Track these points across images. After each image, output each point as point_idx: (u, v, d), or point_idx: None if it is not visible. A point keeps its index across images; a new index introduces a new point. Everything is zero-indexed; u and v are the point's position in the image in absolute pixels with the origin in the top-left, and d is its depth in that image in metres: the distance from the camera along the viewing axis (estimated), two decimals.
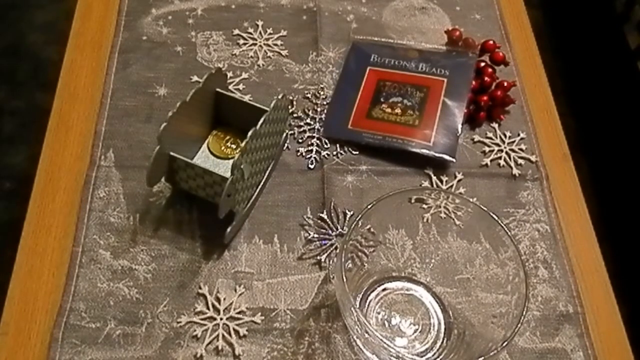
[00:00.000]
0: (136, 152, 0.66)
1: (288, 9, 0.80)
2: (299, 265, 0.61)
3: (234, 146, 0.66)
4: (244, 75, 0.73)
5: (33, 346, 0.55)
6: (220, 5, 0.80)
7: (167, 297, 0.58)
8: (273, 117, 0.60)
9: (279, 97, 0.60)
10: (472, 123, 0.72)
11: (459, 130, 0.69)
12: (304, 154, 0.68)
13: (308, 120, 0.70)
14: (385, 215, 0.55)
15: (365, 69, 0.74)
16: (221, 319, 0.57)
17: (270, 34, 0.77)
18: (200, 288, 0.58)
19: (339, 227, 0.63)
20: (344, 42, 0.77)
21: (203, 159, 0.65)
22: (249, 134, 0.56)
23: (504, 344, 0.46)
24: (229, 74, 0.73)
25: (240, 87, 0.72)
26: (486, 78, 0.72)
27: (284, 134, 0.67)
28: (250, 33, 0.77)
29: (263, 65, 0.75)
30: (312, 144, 0.69)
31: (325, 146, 0.69)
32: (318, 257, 0.61)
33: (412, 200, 0.55)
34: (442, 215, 0.56)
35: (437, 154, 0.67)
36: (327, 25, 0.79)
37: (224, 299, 0.58)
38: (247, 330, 0.56)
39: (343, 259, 0.49)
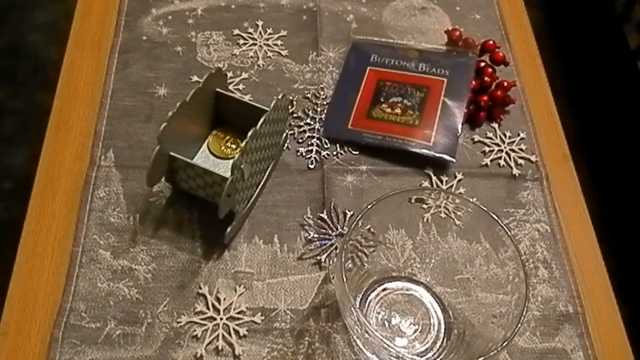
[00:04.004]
0: (136, 152, 0.66)
1: (288, 9, 0.80)
2: (299, 265, 0.61)
3: (234, 146, 0.66)
4: (244, 75, 0.73)
5: (33, 346, 0.55)
6: (220, 5, 0.80)
7: (167, 297, 0.58)
8: (273, 117, 0.60)
9: (279, 97, 0.60)
10: (472, 123, 0.72)
11: (459, 130, 0.69)
12: (304, 154, 0.68)
13: (308, 120, 0.70)
14: (385, 215, 0.55)
15: (365, 69, 0.74)
16: (221, 319, 0.57)
17: (270, 34, 0.77)
18: (200, 288, 0.58)
19: (339, 227, 0.63)
20: (344, 42, 0.77)
21: (203, 159, 0.65)
22: (249, 134, 0.56)
23: (504, 344, 0.46)
24: (229, 74, 0.73)
25: (240, 87, 0.72)
26: (486, 78, 0.72)
27: (284, 134, 0.67)
28: (250, 33, 0.77)
29: (263, 65, 0.75)
30: (312, 144, 0.69)
31: (325, 146, 0.69)
32: (318, 257, 0.61)
33: (412, 200, 0.55)
34: (442, 215, 0.56)
35: (437, 154, 0.67)
36: (327, 25, 0.79)
37: (224, 299, 0.58)
38: (247, 330, 0.56)
39: (343, 259, 0.49)
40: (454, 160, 0.67)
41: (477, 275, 0.57)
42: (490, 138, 0.71)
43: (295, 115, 0.71)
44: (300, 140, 0.69)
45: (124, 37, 0.75)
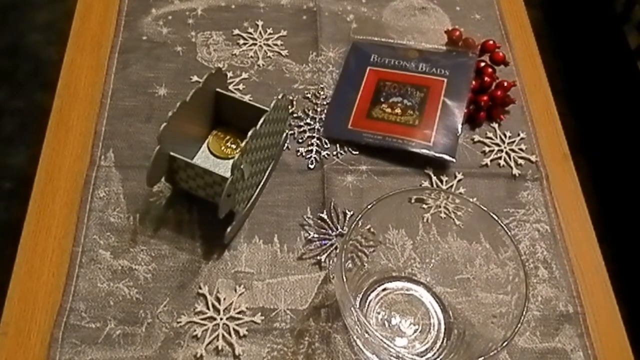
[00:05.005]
0: (136, 152, 0.66)
1: (288, 9, 0.80)
2: (299, 265, 0.61)
3: (234, 146, 0.66)
4: (244, 75, 0.73)
5: (33, 346, 0.55)
6: (220, 5, 0.80)
7: (167, 297, 0.58)
8: (273, 117, 0.60)
9: (279, 97, 0.60)
10: (472, 123, 0.72)
11: (459, 130, 0.69)
12: (304, 154, 0.68)
13: (308, 120, 0.70)
14: (385, 215, 0.55)
15: (365, 69, 0.74)
16: (221, 319, 0.57)
17: (270, 34, 0.77)
18: (200, 288, 0.58)
19: (339, 227, 0.63)
20: (344, 42, 0.77)
21: (203, 159, 0.65)
22: (249, 134, 0.56)
23: (504, 344, 0.46)
24: (229, 74, 0.73)
25: (240, 87, 0.72)
26: (486, 78, 0.72)
27: (284, 134, 0.67)
28: (250, 33, 0.77)
29: (263, 65, 0.75)
30: (312, 144, 0.69)
31: (325, 146, 0.69)
32: (318, 257, 0.61)
33: (412, 200, 0.55)
34: (442, 215, 0.56)
35: (437, 154, 0.67)
36: (327, 25, 0.79)
37: (224, 299, 0.58)
38: (247, 330, 0.56)
39: (343, 259, 0.49)
40: (454, 160, 0.67)
41: (477, 275, 0.57)
42: (490, 138, 0.71)
43: (295, 115, 0.71)
44: (300, 140, 0.69)
45: (124, 37, 0.75)
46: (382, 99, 0.71)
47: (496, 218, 0.52)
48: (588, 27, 1.76)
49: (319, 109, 0.71)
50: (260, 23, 0.78)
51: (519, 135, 0.71)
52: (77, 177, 0.64)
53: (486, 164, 0.69)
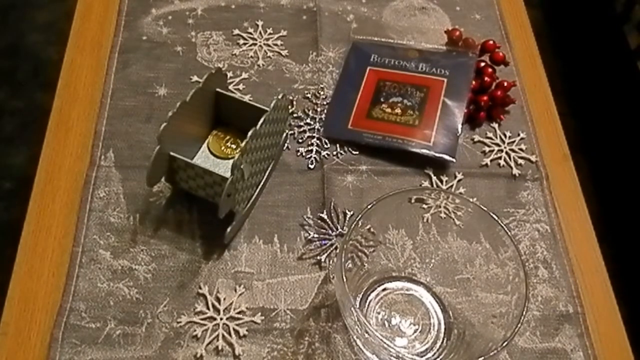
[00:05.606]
0: (136, 152, 0.66)
1: (288, 9, 0.80)
2: (299, 265, 0.61)
3: (234, 146, 0.66)
4: (244, 75, 0.73)
5: (33, 346, 0.55)
6: (220, 5, 0.80)
7: (167, 297, 0.58)
8: (273, 117, 0.60)
9: (279, 97, 0.60)
10: (472, 123, 0.72)
11: (459, 130, 0.69)
12: (304, 154, 0.68)
13: (308, 120, 0.70)
14: (385, 215, 0.55)
15: (365, 69, 0.74)
16: (221, 319, 0.57)
17: (270, 34, 0.77)
18: (200, 288, 0.58)
19: (339, 227, 0.63)
20: (344, 42, 0.77)
21: (203, 159, 0.65)
22: (249, 134, 0.56)
23: (504, 344, 0.46)
24: (229, 74, 0.73)
25: (240, 87, 0.72)
26: (486, 78, 0.72)
27: (284, 134, 0.67)
28: (250, 33, 0.77)
29: (263, 65, 0.75)
30: (312, 144, 0.69)
31: (325, 146, 0.69)
32: (318, 257, 0.61)
33: (412, 200, 0.55)
34: (442, 215, 0.56)
35: (437, 154, 0.67)
36: (327, 25, 0.79)
37: (224, 299, 0.58)
38: (247, 330, 0.56)
39: (343, 259, 0.49)
40: (454, 160, 0.67)
41: (477, 275, 0.57)
42: (490, 138, 0.71)
43: (295, 115, 0.71)
44: (300, 140, 0.69)
45: (124, 37, 0.75)
46: (382, 99, 0.71)
47: (496, 218, 0.52)
48: (588, 27, 1.76)
49: (319, 109, 0.71)
50: (260, 23, 0.78)
51: (519, 135, 0.71)
52: (77, 177, 0.64)
53: (486, 164, 0.69)
